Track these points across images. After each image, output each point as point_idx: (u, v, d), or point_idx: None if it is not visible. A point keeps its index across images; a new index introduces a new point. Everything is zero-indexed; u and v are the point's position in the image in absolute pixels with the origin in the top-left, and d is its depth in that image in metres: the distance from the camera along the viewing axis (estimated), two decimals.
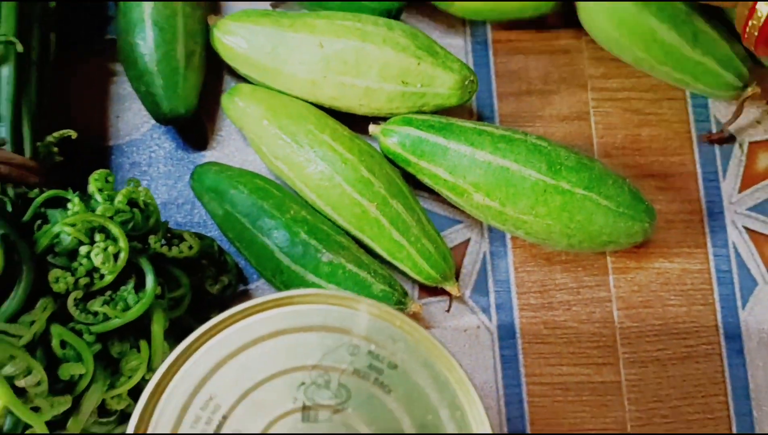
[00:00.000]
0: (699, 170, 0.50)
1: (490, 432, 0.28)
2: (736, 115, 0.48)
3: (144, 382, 0.38)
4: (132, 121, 0.50)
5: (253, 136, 0.47)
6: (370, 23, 0.46)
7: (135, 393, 0.39)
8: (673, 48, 0.46)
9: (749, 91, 0.46)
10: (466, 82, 0.46)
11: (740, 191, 0.49)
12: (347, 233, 0.46)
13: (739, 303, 0.48)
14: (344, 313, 0.29)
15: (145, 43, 0.46)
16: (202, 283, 0.45)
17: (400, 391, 0.28)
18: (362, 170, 0.45)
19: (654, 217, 0.44)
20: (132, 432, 0.27)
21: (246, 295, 0.48)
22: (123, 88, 0.51)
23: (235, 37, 0.47)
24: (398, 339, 0.29)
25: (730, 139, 0.50)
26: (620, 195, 0.43)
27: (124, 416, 0.40)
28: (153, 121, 0.50)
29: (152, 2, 0.46)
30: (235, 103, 0.47)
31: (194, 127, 0.50)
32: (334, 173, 0.45)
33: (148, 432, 0.28)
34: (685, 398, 0.46)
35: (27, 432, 0.35)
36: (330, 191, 0.45)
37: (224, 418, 0.28)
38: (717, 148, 0.50)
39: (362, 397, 0.28)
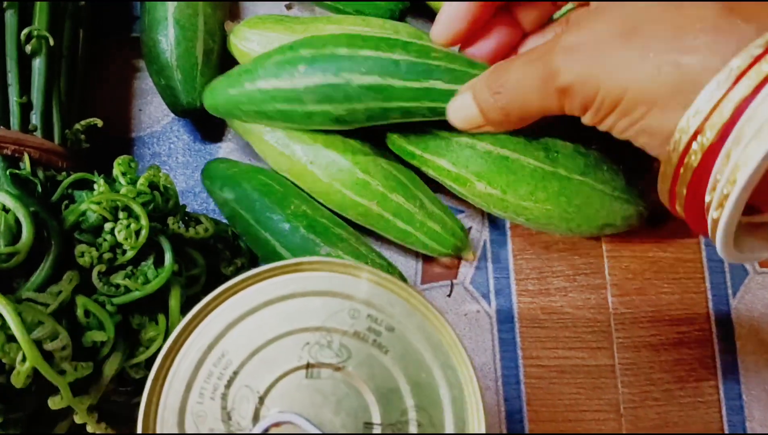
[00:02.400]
0: None
1: (479, 390, 0.30)
2: None
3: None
4: (153, 115, 0.53)
5: (258, 150, 0.50)
6: (377, 27, 0.49)
7: (151, 364, 0.41)
8: None
9: None
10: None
11: None
12: (358, 226, 0.49)
13: (730, 291, 0.50)
14: (347, 279, 0.32)
15: (167, 39, 0.49)
16: (217, 266, 0.47)
17: (397, 351, 0.31)
18: (357, 173, 0.47)
19: (648, 200, 0.46)
20: (150, 383, 0.30)
21: None
22: (145, 83, 0.54)
23: (249, 43, 0.50)
24: (396, 304, 0.31)
25: None
26: (615, 180, 0.45)
27: (140, 386, 0.42)
28: (173, 115, 0.53)
29: (175, 2, 0.49)
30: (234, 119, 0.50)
31: (211, 119, 0.53)
32: (332, 180, 0.47)
33: (166, 384, 0.30)
34: (677, 382, 0.48)
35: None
36: (331, 196, 0.48)
37: (235, 373, 0.30)
38: None
39: (361, 357, 0.31)
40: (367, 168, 0.47)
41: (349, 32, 0.45)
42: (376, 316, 0.31)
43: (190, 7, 0.50)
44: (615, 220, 0.46)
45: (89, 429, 0.38)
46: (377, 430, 0.30)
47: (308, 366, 0.31)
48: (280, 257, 0.47)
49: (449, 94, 0.42)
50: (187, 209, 0.51)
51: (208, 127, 0.53)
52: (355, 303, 0.32)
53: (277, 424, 0.30)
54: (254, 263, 0.51)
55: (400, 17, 0.52)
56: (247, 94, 0.44)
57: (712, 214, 0.32)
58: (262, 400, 0.30)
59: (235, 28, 0.51)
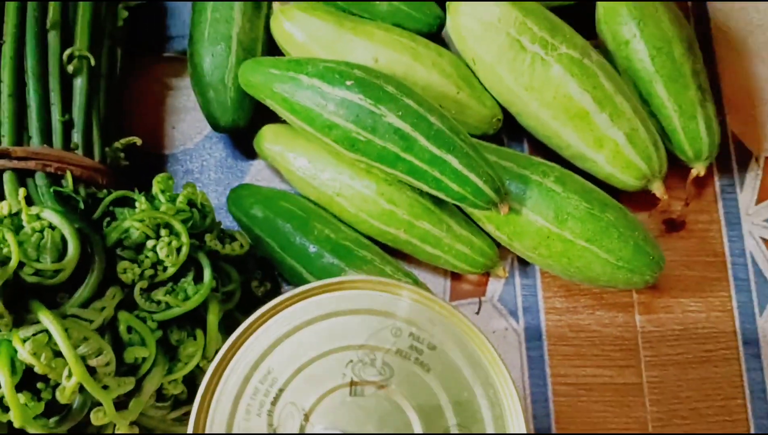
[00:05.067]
0: (717, 182, 0.52)
1: (521, 408, 0.31)
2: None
3: (198, 369, 0.42)
4: (186, 132, 0.54)
5: (284, 175, 0.51)
6: (422, 45, 0.50)
7: (189, 382, 0.42)
8: None
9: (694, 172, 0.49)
10: (494, 120, 0.50)
11: (757, 203, 0.52)
12: (388, 245, 0.49)
13: (756, 310, 0.50)
14: (388, 298, 0.33)
15: (226, 58, 0.51)
16: (248, 284, 0.48)
17: (438, 369, 0.32)
18: (383, 204, 0.48)
19: (657, 270, 0.46)
20: (199, 400, 0.31)
21: None
22: (178, 101, 0.55)
23: (296, 25, 0.51)
24: (437, 322, 0.32)
25: (747, 153, 0.53)
26: (622, 249, 0.45)
27: (178, 402, 0.43)
28: (205, 132, 0.54)
29: (240, 23, 0.51)
30: (262, 145, 0.51)
31: (243, 138, 0.54)
32: (359, 211, 0.48)
33: (213, 400, 0.31)
34: (704, 400, 0.49)
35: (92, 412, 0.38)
36: (360, 224, 0.49)
37: (280, 390, 0.31)
38: (734, 161, 0.53)
39: (404, 375, 0.31)
40: (392, 198, 0.48)
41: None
42: (418, 334, 0.32)
43: (254, 32, 0.51)
44: (617, 284, 0.47)
45: None
46: None
47: (352, 383, 0.31)
48: (306, 282, 0.47)
49: (458, 176, 0.43)
50: (221, 226, 0.52)
51: (240, 144, 0.54)
52: (397, 321, 0.32)
53: None
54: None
55: (438, 30, 0.53)
56: (286, 81, 0.46)
57: None
58: (307, 417, 0.31)
59: (285, 7, 0.52)
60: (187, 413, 0.41)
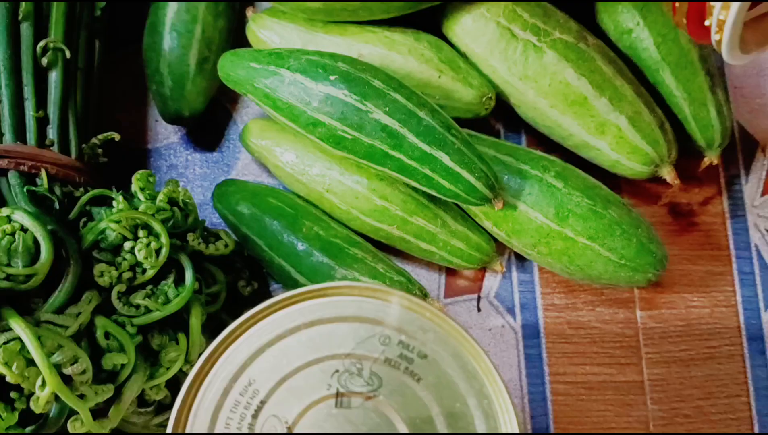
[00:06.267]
0: (722, 173, 0.51)
1: (516, 420, 0.29)
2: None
3: (181, 373, 0.40)
4: (169, 126, 0.52)
5: (272, 170, 0.49)
6: (398, 32, 0.48)
7: (172, 384, 0.41)
8: None
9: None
10: (484, 99, 0.48)
11: (762, 195, 0.50)
12: (383, 244, 0.48)
13: (761, 305, 0.48)
14: (377, 304, 0.31)
15: (162, 45, 0.49)
16: (234, 283, 0.46)
17: (430, 379, 0.30)
18: (375, 200, 0.46)
19: (661, 267, 0.44)
20: (176, 412, 0.29)
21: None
22: None
23: (269, 32, 0.49)
24: (428, 330, 0.30)
25: (754, 143, 0.51)
26: (625, 247, 0.43)
27: (161, 407, 0.42)
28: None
29: (175, 7, 0.49)
30: (248, 140, 0.49)
31: (229, 130, 0.52)
32: (350, 208, 0.46)
33: (191, 414, 0.29)
34: (707, 398, 0.47)
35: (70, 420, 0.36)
36: (352, 221, 0.47)
37: (262, 402, 0.29)
38: (739, 151, 0.51)
39: (393, 385, 0.30)
40: (384, 194, 0.46)
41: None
42: (408, 342, 0.30)
43: (190, 13, 0.49)
44: (618, 282, 0.45)
45: None
46: None
47: (338, 395, 0.30)
48: (295, 282, 0.46)
49: (449, 173, 0.41)
50: (206, 223, 0.50)
51: (225, 138, 0.52)
52: (386, 329, 0.31)
53: None
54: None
55: None
56: (268, 75, 0.44)
57: (717, 17, 0.32)
58: (290, 430, 0.29)
59: (256, 16, 0.50)
60: None
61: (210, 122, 0.52)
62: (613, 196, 0.45)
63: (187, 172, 0.52)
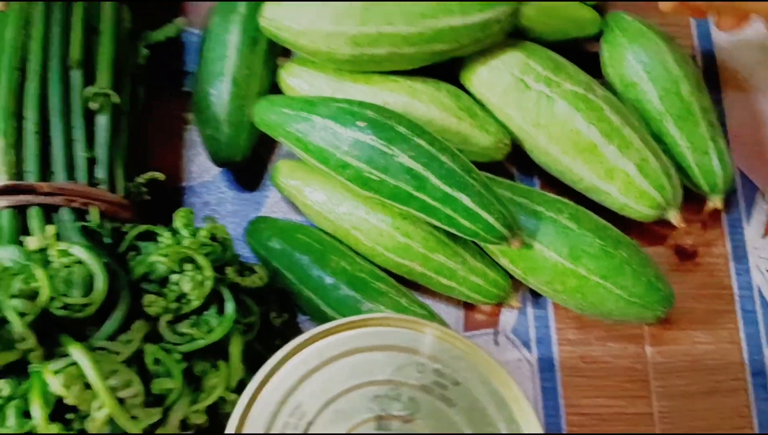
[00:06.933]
0: (724, 216, 0.54)
1: None
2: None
3: (221, 399, 0.42)
4: (203, 165, 0.55)
5: (300, 208, 0.53)
6: (419, 82, 0.51)
7: (210, 410, 0.43)
8: None
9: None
10: (500, 144, 0.51)
11: (763, 237, 0.53)
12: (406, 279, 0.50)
13: (763, 341, 0.51)
14: (412, 335, 0.34)
15: (220, 94, 0.52)
16: (266, 314, 0.49)
17: (463, 405, 0.32)
18: (398, 237, 0.49)
19: (668, 305, 0.47)
20: (232, 433, 0.31)
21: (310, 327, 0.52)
22: (195, 134, 0.56)
23: (298, 80, 0.53)
24: (460, 358, 0.33)
25: (754, 188, 0.54)
26: (635, 286, 0.46)
27: (200, 432, 0.44)
28: None
29: (236, 61, 0.52)
30: (278, 180, 0.53)
31: (259, 170, 0.55)
32: (375, 245, 0.49)
33: (244, 433, 0.32)
34: (713, 430, 0.49)
35: None
36: (376, 257, 0.50)
37: (309, 423, 0.32)
38: (741, 196, 0.54)
39: (429, 410, 0.32)
40: (407, 232, 0.49)
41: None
42: (442, 370, 0.33)
43: (249, 69, 0.53)
44: (628, 319, 0.48)
45: None
46: None
47: (378, 418, 0.32)
48: (323, 314, 0.48)
49: (469, 213, 0.44)
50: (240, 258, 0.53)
51: (256, 177, 0.55)
52: (421, 357, 0.33)
53: None
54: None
55: None
56: (300, 121, 0.47)
57: None
58: None
59: (287, 64, 0.54)
60: None
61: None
62: (623, 237, 0.48)
63: (220, 208, 0.55)
